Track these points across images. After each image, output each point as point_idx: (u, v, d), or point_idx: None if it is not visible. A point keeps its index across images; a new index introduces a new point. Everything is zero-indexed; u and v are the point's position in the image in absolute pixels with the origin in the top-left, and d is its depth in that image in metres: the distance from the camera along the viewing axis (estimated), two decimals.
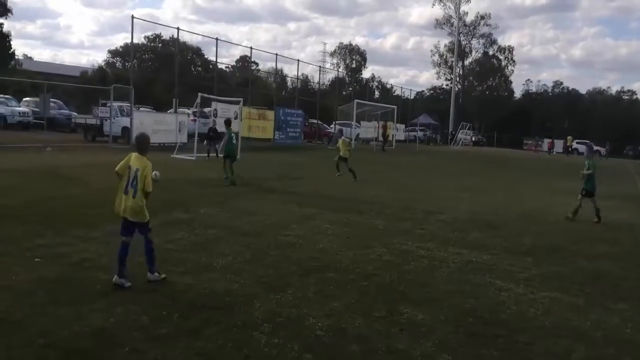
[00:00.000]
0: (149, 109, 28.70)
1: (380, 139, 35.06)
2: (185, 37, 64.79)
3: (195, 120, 23.74)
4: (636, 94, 73.14)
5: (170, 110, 26.80)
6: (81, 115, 28.45)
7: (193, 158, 18.55)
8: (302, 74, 51.24)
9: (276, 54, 34.29)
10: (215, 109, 24.03)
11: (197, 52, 57.39)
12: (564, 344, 4.54)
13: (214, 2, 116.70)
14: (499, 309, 5.28)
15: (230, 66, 60.48)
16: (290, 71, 79.15)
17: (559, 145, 52.54)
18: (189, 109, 26.61)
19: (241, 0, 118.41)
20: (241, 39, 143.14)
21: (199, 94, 21.01)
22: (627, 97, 72.74)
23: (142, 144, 5.50)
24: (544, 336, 4.68)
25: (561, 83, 75.27)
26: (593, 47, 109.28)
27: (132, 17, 23.12)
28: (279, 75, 49.82)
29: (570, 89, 74.11)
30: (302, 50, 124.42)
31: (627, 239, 9.36)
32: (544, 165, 32.00)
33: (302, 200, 11.25)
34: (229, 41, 66.47)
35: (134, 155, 5.36)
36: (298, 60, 36.13)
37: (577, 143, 50.83)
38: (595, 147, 45.90)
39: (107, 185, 11.48)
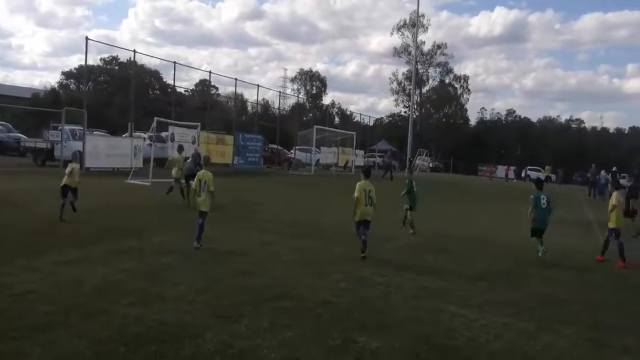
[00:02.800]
0: (103, 133, 28.04)
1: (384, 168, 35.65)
2: (143, 60, 64.24)
3: (151, 145, 23.34)
4: (584, 123, 76.91)
5: (125, 134, 26.26)
6: (31, 139, 27.43)
7: (148, 184, 18.11)
8: (263, 99, 51.50)
9: (235, 79, 34.22)
10: (172, 133, 23.71)
11: (155, 75, 56.69)
12: None
13: (173, 25, 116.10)
14: (452, 335, 5.32)
15: (189, 90, 60.00)
16: (250, 96, 79.41)
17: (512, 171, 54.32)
18: (145, 133, 26.16)
19: (201, 24, 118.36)
20: (201, 62, 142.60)
21: (155, 118, 20.70)
22: (575, 126, 76.29)
23: (206, 163, 9.33)
24: None
25: (514, 111, 78.42)
26: (544, 78, 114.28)
27: (87, 38, 22.80)
28: (239, 100, 49.74)
29: (522, 117, 77.31)
30: (262, 75, 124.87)
31: (574, 263, 9.67)
32: (498, 191, 32.89)
33: (262, 226, 11.15)
34: (187, 65, 66.25)
35: (200, 172, 8.73)
36: (258, 86, 36.22)
37: (529, 170, 52.70)
38: (545, 174, 47.53)
39: (55, 212, 11.09)
